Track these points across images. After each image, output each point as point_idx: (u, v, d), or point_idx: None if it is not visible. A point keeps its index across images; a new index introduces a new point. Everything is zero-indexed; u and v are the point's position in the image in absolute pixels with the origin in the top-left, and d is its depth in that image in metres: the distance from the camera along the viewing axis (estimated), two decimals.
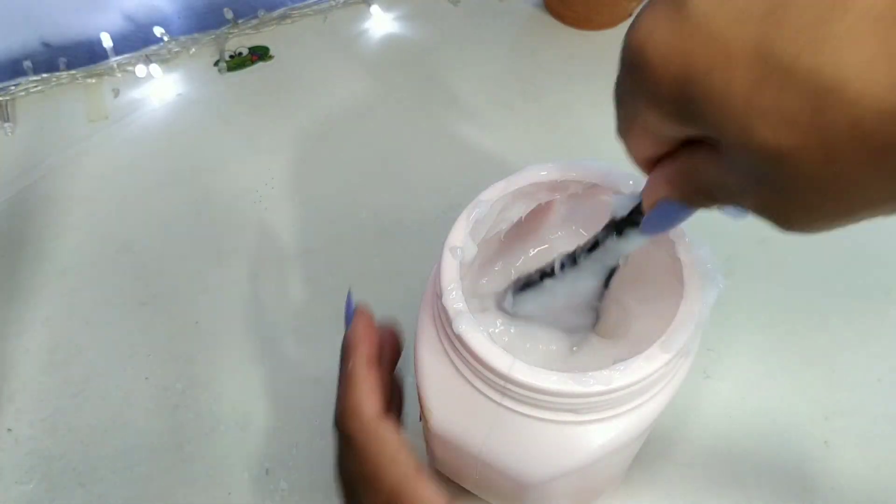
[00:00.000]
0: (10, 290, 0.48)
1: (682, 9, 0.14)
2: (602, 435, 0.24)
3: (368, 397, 0.26)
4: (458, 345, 0.24)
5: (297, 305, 0.46)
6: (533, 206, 0.29)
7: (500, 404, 0.24)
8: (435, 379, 0.25)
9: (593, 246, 0.25)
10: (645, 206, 0.21)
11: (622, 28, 0.59)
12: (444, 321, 0.24)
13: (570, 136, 0.54)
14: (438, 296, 0.24)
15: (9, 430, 0.42)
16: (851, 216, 0.15)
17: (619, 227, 0.23)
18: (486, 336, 0.23)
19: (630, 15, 0.59)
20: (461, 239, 0.26)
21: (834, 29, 0.12)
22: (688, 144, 0.18)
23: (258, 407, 0.43)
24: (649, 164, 0.20)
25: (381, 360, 0.28)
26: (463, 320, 0.23)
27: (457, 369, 0.25)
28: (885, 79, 0.12)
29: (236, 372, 0.44)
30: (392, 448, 0.25)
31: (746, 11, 0.13)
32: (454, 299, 0.24)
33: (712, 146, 0.16)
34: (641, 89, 0.16)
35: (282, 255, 0.49)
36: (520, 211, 0.29)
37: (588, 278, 0.26)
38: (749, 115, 0.14)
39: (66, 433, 0.42)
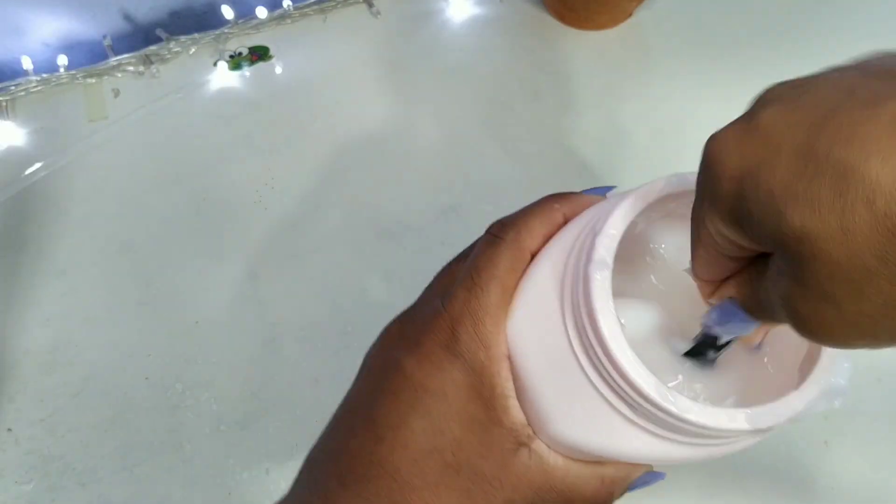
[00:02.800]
0: (10, 290, 0.48)
1: (753, 118, 0.17)
2: (642, 445, 0.23)
3: (540, 233, 0.25)
4: (579, 285, 0.22)
5: (297, 305, 0.46)
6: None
7: (576, 355, 0.22)
8: (535, 300, 0.24)
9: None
10: (705, 296, 0.22)
11: (622, 28, 0.59)
12: (581, 256, 0.23)
13: (571, 137, 0.54)
14: (594, 232, 0.22)
15: (9, 430, 0.42)
16: (871, 324, 0.16)
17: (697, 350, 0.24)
18: (610, 296, 0.21)
19: (630, 15, 0.59)
20: (640, 207, 0.23)
21: (864, 129, 0.15)
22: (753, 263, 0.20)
23: (258, 407, 0.43)
24: (712, 287, 0.21)
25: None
26: (600, 269, 0.22)
27: (561, 305, 0.23)
28: None
29: (236, 372, 0.44)
30: (516, 281, 0.25)
31: (803, 120, 0.16)
32: (606, 248, 0.22)
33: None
34: (707, 191, 0.18)
35: (282, 255, 0.49)
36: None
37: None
38: (784, 202, 0.16)
39: (66, 433, 0.42)
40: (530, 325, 0.24)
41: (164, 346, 0.45)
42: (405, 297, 0.40)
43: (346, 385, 0.45)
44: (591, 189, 0.28)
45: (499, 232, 0.26)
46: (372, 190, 0.51)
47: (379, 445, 0.24)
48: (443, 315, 0.25)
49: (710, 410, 0.21)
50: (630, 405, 0.22)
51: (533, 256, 0.25)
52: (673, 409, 0.21)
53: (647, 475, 0.26)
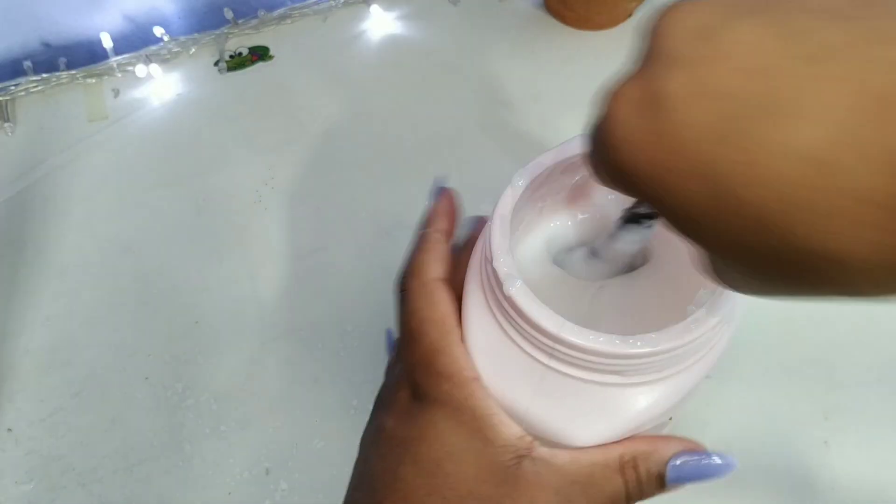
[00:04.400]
0: (10, 290, 0.48)
1: (658, 89, 0.15)
2: (646, 398, 0.24)
3: (435, 261, 0.27)
4: (507, 307, 0.24)
5: (297, 305, 0.46)
6: (577, 177, 0.29)
7: (547, 366, 0.24)
8: (482, 342, 0.26)
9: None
10: None
11: (622, 28, 0.59)
12: (493, 285, 0.25)
13: (571, 137, 0.54)
14: (489, 260, 0.25)
15: (9, 430, 0.42)
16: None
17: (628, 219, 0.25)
18: (535, 298, 0.23)
19: (630, 15, 0.59)
20: (510, 207, 0.26)
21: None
22: None
23: (258, 407, 0.43)
24: None
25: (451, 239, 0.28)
26: (513, 283, 0.24)
27: (505, 332, 0.25)
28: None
29: (236, 372, 0.44)
30: (441, 310, 0.26)
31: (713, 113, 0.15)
32: (504, 264, 0.24)
33: None
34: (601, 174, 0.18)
35: (282, 255, 0.49)
36: (564, 182, 0.29)
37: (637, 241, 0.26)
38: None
39: (66, 433, 0.42)
40: (489, 363, 0.26)
41: (164, 346, 0.45)
42: None
43: (346, 385, 0.45)
44: (435, 189, 0.30)
45: (402, 286, 0.27)
46: (372, 190, 0.51)
47: None
48: (401, 373, 0.27)
49: (676, 329, 0.22)
50: (613, 371, 0.23)
51: (442, 281, 0.27)
52: (646, 349, 0.22)
53: (695, 460, 0.24)
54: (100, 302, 0.47)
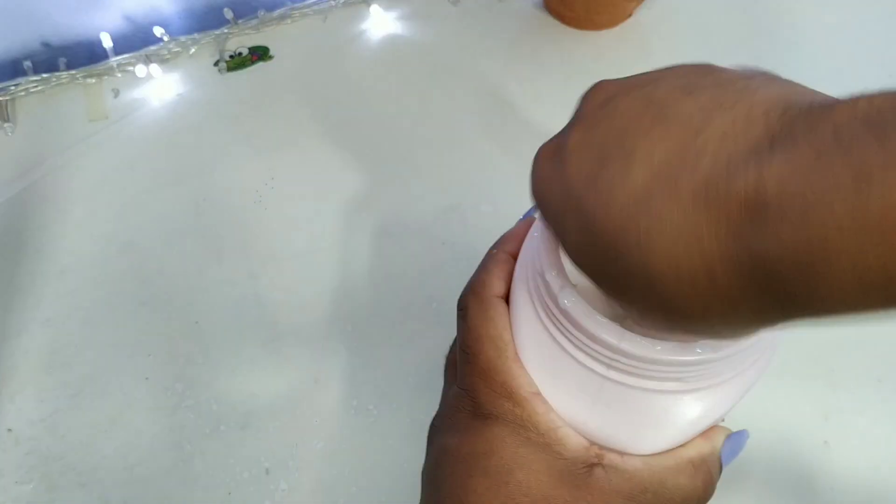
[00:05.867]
0: (10, 290, 0.48)
1: (562, 145, 0.20)
2: (705, 403, 0.24)
3: (497, 279, 0.27)
4: (562, 320, 0.24)
5: (297, 305, 0.46)
6: None
7: (605, 377, 0.24)
8: (536, 355, 0.25)
9: None
10: None
11: (622, 28, 0.59)
12: (545, 297, 0.24)
13: None
14: (540, 273, 0.24)
15: (9, 430, 0.42)
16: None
17: None
18: (591, 309, 0.23)
19: (630, 15, 0.59)
20: None
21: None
22: None
23: (258, 407, 0.43)
24: None
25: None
26: (568, 295, 0.23)
27: (559, 345, 0.24)
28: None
29: (236, 372, 0.44)
30: (498, 325, 0.26)
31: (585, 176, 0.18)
32: (557, 276, 0.24)
33: None
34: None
35: (282, 255, 0.49)
36: None
37: None
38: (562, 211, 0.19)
39: (66, 433, 0.42)
40: (545, 378, 0.25)
41: (164, 346, 0.45)
42: (405, 296, 0.39)
43: (346, 385, 0.45)
44: (526, 212, 0.30)
45: (463, 304, 0.27)
46: (372, 190, 0.51)
47: None
48: (460, 393, 0.26)
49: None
50: (674, 378, 0.23)
51: (502, 298, 0.27)
52: (710, 355, 0.22)
53: (731, 438, 0.26)
54: (100, 302, 0.47)
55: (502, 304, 0.26)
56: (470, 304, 0.27)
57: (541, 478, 0.24)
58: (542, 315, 0.25)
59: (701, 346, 0.22)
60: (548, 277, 0.24)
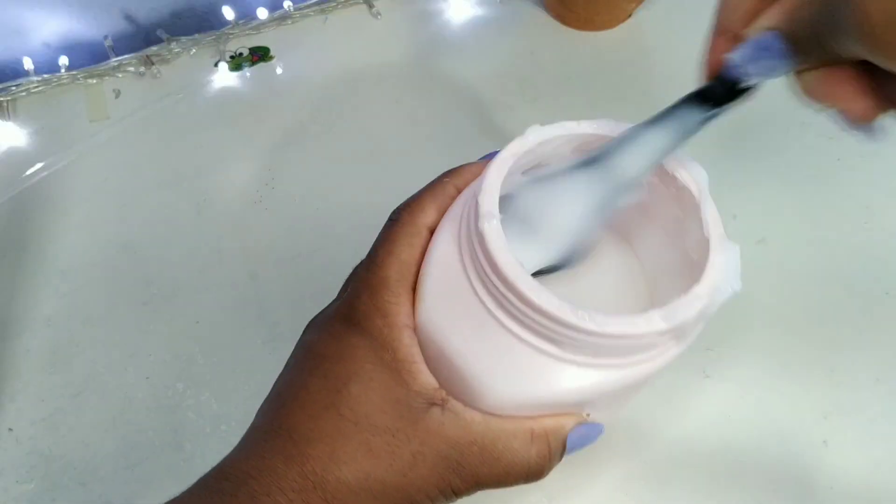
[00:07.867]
0: (11, 290, 0.48)
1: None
2: (572, 379, 0.24)
3: (434, 209, 0.27)
4: (476, 243, 0.24)
5: (297, 305, 0.46)
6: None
7: (491, 312, 0.24)
8: (438, 271, 0.25)
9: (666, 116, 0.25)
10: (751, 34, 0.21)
11: (622, 29, 0.59)
12: (471, 218, 0.24)
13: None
14: (475, 193, 0.24)
15: (10, 429, 0.43)
16: None
17: (706, 95, 0.24)
18: (506, 242, 0.23)
19: (630, 15, 0.60)
20: (515, 151, 0.26)
21: None
22: None
23: (258, 406, 0.43)
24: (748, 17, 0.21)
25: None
26: (490, 220, 0.23)
27: (463, 268, 0.25)
28: None
29: (236, 372, 0.44)
30: (413, 254, 0.26)
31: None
32: (489, 201, 0.24)
33: None
34: None
35: (282, 255, 0.49)
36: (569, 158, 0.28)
37: (599, 192, 0.26)
38: None
39: (66, 433, 0.42)
40: (439, 294, 0.25)
41: (164, 346, 0.45)
42: None
43: None
44: (484, 156, 0.29)
45: (395, 215, 0.27)
46: (372, 190, 0.51)
47: (281, 410, 0.26)
48: (343, 296, 0.27)
49: (626, 318, 0.22)
50: (551, 339, 0.23)
51: (431, 231, 0.27)
52: (591, 326, 0.21)
53: (583, 428, 0.26)
54: (100, 302, 0.47)
55: (427, 236, 0.26)
56: (402, 218, 0.27)
57: (372, 397, 0.24)
58: (462, 235, 0.25)
59: (590, 315, 0.22)
60: (480, 199, 0.24)
